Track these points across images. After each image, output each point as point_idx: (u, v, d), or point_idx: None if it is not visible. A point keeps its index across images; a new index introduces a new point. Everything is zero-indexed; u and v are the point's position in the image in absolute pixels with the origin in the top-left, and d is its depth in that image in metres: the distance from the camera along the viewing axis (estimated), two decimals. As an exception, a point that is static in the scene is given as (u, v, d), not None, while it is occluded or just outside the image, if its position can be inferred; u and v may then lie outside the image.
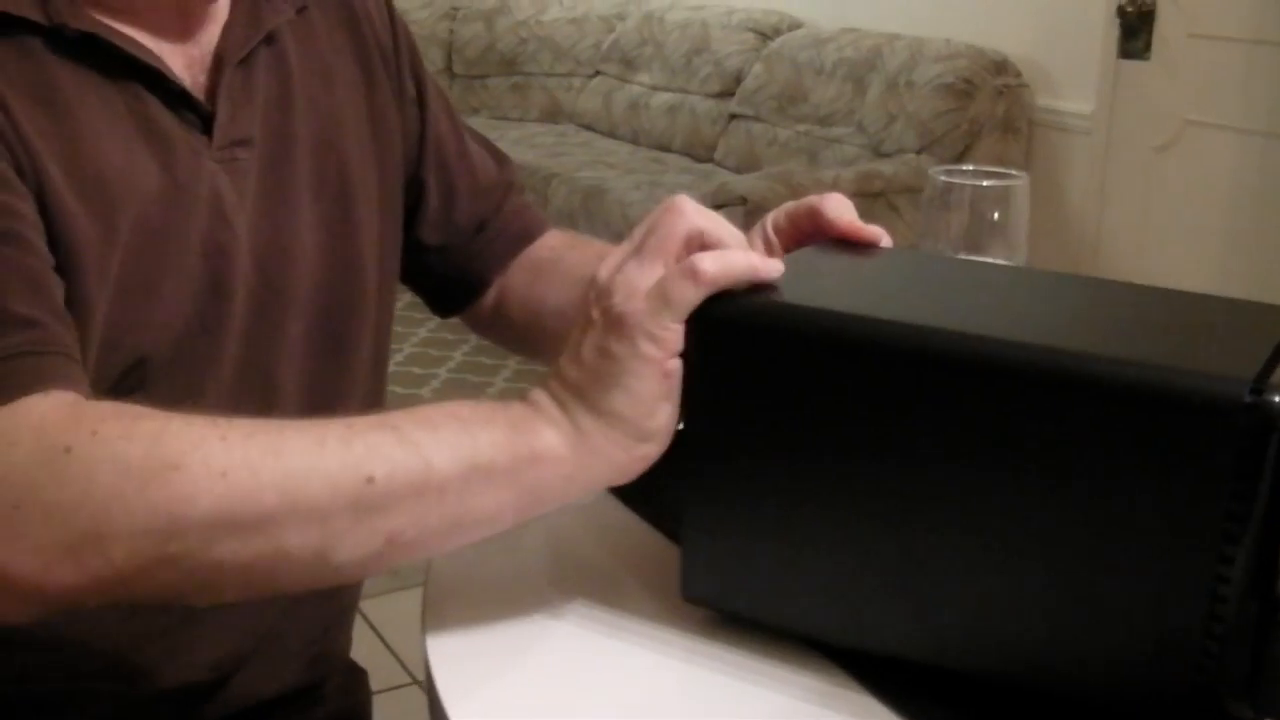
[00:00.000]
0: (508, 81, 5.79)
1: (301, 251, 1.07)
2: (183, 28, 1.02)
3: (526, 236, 1.27)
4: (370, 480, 0.75)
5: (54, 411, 0.78)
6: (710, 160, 4.71)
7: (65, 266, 0.90)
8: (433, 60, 5.87)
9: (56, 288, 0.88)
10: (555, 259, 1.25)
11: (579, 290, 1.00)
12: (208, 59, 1.04)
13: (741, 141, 4.57)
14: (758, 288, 0.81)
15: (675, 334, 0.78)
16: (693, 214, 0.81)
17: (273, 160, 1.06)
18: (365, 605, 2.77)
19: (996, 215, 1.21)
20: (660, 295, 0.78)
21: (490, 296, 1.26)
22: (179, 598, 0.79)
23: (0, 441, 0.76)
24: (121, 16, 0.98)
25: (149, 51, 0.98)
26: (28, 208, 0.88)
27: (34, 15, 0.92)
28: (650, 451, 0.81)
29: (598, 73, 5.50)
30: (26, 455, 0.75)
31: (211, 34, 1.04)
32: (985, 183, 1.20)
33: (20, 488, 0.74)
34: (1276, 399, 0.64)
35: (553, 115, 5.65)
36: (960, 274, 0.92)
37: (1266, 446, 0.64)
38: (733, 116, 4.65)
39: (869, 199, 3.61)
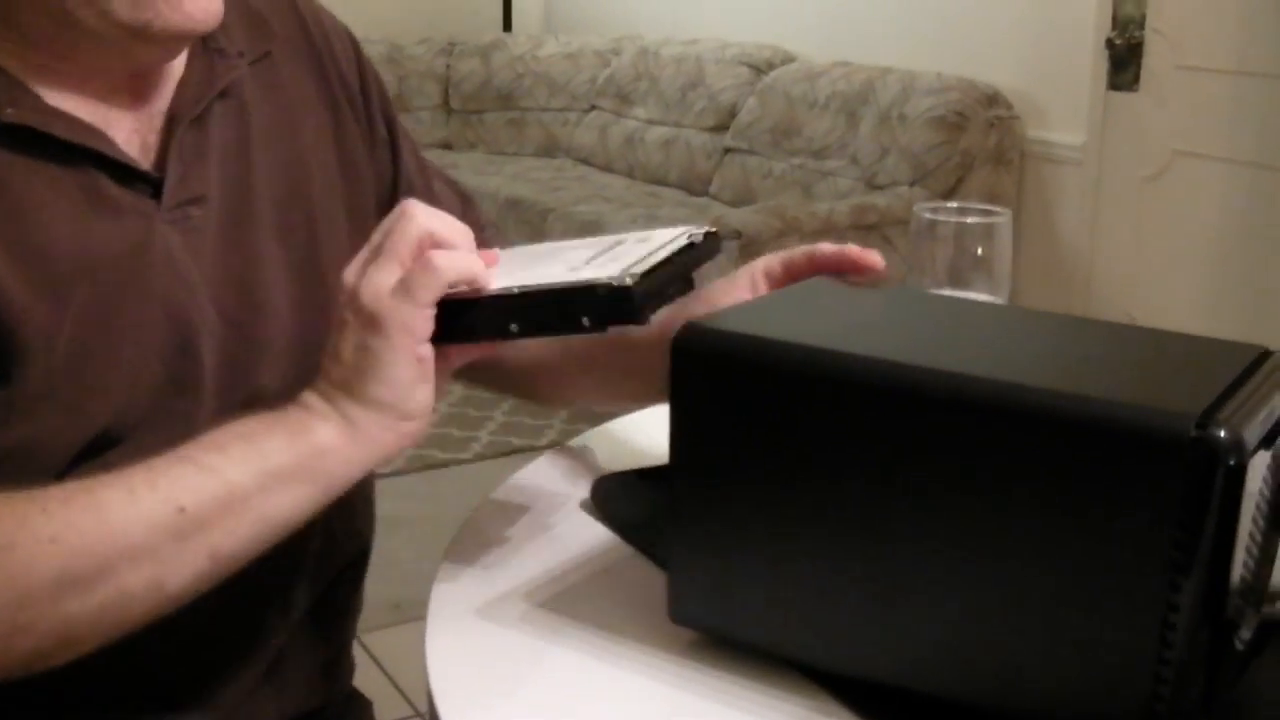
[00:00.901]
0: (504, 116, 5.83)
1: (271, 302, 1.08)
2: (135, 92, 1.03)
3: None
4: (182, 510, 0.85)
5: None
6: (706, 194, 4.74)
7: (13, 353, 0.92)
8: (429, 95, 5.91)
9: None
10: None
11: None
12: (159, 119, 1.04)
13: (736, 175, 4.60)
14: (739, 319, 0.85)
15: (422, 322, 0.88)
16: (423, 217, 0.90)
17: (232, 214, 1.07)
18: (368, 638, 2.80)
19: (980, 250, 1.24)
20: (403, 290, 0.87)
21: None
22: (42, 660, 0.86)
23: None
24: (71, 82, 0.99)
25: (90, 130, 0.98)
26: None
27: None
28: (415, 428, 0.91)
29: (593, 107, 5.54)
30: None
31: (164, 92, 1.05)
32: (969, 219, 1.23)
33: None
34: (1221, 434, 0.67)
35: (549, 150, 5.68)
36: (934, 311, 0.95)
37: (1212, 480, 0.67)
38: (727, 150, 4.68)
39: (863, 231, 3.65)
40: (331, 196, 1.15)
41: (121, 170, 1.00)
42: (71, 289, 0.95)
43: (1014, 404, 0.72)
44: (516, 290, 0.90)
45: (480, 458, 3.83)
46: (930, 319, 0.91)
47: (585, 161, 5.46)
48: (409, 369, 0.89)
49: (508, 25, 6.33)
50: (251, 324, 1.07)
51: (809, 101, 4.37)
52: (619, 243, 0.97)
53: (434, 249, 0.88)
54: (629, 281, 0.86)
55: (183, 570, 0.87)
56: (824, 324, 0.88)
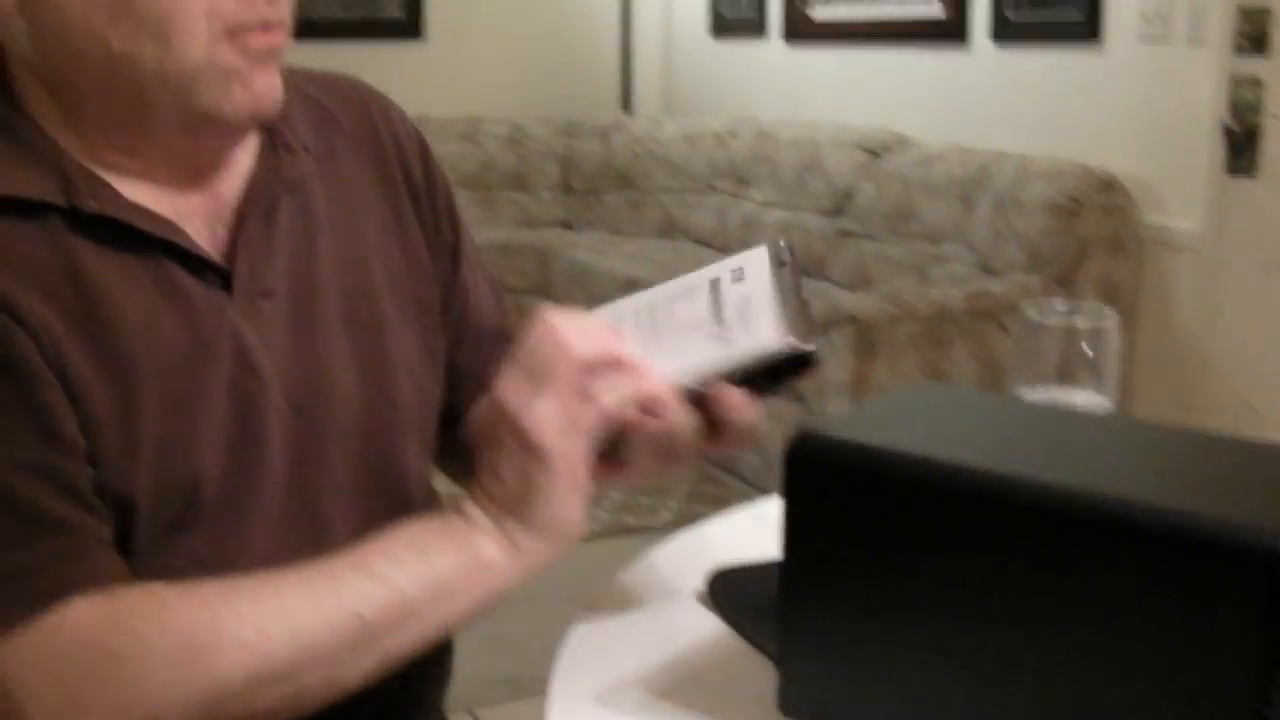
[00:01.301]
0: (623, 197, 5.92)
1: (338, 390, 1.12)
2: (205, 185, 1.07)
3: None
4: (360, 618, 0.94)
5: (88, 617, 0.92)
6: (822, 277, 4.77)
7: (93, 437, 0.97)
8: (550, 175, 6.02)
9: (84, 476, 0.97)
10: None
11: None
12: (229, 212, 1.08)
13: (852, 259, 4.63)
14: (852, 426, 0.90)
15: (586, 454, 0.95)
16: (579, 346, 0.96)
17: (300, 306, 1.10)
18: (483, 713, 2.85)
19: (1088, 351, 1.27)
20: (569, 425, 0.94)
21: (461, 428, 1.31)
22: None
23: (48, 658, 0.91)
24: (140, 175, 1.04)
25: (165, 222, 1.03)
26: (55, 396, 0.96)
27: (55, 199, 0.99)
28: (568, 545, 0.98)
29: (711, 189, 5.60)
30: (79, 668, 0.91)
31: (233, 186, 1.09)
32: (1077, 321, 1.26)
33: (83, 695, 0.90)
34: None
35: (667, 230, 5.76)
36: (1039, 421, 0.98)
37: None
38: (843, 233, 4.72)
39: (977, 317, 3.67)
40: (395, 290, 1.19)
41: (194, 262, 1.04)
42: (145, 377, 1.00)
43: (1107, 517, 0.76)
44: (690, 385, 0.96)
45: (597, 536, 3.86)
46: (1036, 429, 0.94)
47: (703, 243, 5.52)
48: (570, 497, 0.96)
49: (627, 107, 6.43)
50: (318, 414, 1.11)
51: (925, 186, 4.40)
52: (715, 283, 1.01)
53: (595, 369, 0.95)
54: (811, 346, 0.95)
55: (356, 671, 0.96)
56: (932, 432, 0.92)
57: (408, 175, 1.23)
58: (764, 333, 0.94)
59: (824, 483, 0.88)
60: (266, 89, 1.03)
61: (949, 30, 4.72)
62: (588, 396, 0.95)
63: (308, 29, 1.03)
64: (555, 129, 6.11)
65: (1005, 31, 4.49)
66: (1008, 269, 3.97)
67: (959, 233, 4.20)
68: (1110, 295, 3.90)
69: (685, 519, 3.90)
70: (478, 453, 1.02)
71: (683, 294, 1.02)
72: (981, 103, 4.63)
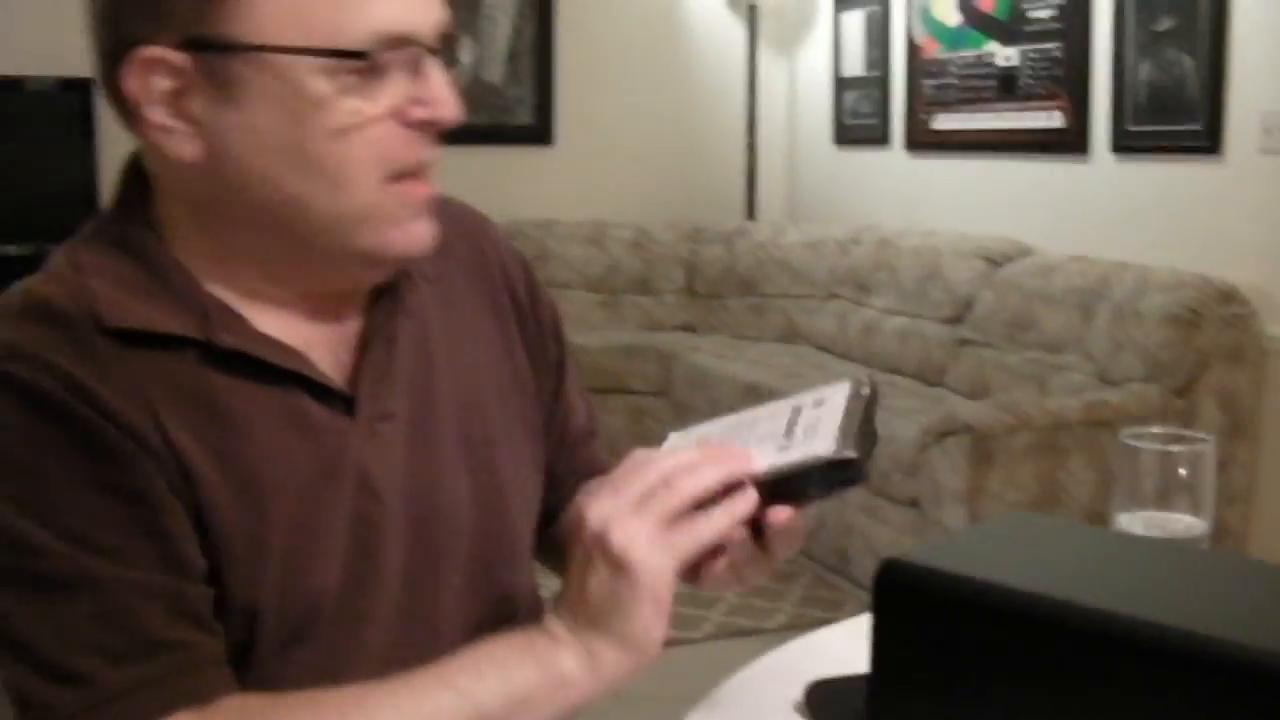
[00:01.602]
0: (746, 302, 5.98)
1: (452, 507, 1.18)
2: (332, 314, 1.14)
3: (590, 476, 1.40)
4: None
5: None
6: (940, 384, 4.78)
7: (222, 556, 1.04)
8: (674, 280, 6.10)
9: (201, 598, 1.03)
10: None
11: None
12: (352, 338, 1.15)
13: (971, 367, 4.65)
14: (943, 555, 0.95)
15: (670, 574, 1.00)
16: (688, 488, 1.01)
17: (417, 427, 1.16)
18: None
19: (1184, 475, 1.29)
20: (664, 546, 1.00)
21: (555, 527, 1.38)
22: None
23: None
24: (274, 306, 1.11)
25: (295, 354, 1.09)
26: (177, 521, 1.02)
27: (191, 332, 1.05)
28: (646, 662, 1.02)
29: (833, 295, 5.64)
30: None
31: (357, 314, 1.16)
32: (1172, 447, 1.29)
33: None
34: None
35: (789, 336, 5.79)
36: (1128, 553, 1.00)
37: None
38: (963, 342, 4.73)
39: (1094, 428, 3.67)
40: (503, 408, 1.25)
41: (320, 390, 1.10)
42: (273, 499, 1.06)
43: (1190, 652, 0.78)
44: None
45: (710, 638, 3.91)
46: (1125, 561, 0.96)
47: (824, 349, 5.55)
48: (649, 612, 1.00)
49: (751, 214, 6.50)
50: (434, 530, 1.16)
51: (1044, 295, 4.41)
52: (796, 408, 1.08)
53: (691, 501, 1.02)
54: (852, 453, 0.99)
55: None
56: (1019, 563, 0.94)
57: (514, 297, 1.30)
58: (818, 443, 1.01)
59: (910, 609, 0.91)
60: (423, 232, 1.11)
61: (1070, 141, 4.76)
62: (693, 532, 1.00)
63: (442, 134, 1.11)
64: (680, 234, 6.21)
65: (1126, 143, 4.52)
66: (1126, 380, 3.97)
67: (1078, 343, 4.21)
68: (1230, 407, 3.89)
69: (798, 622, 3.93)
70: (569, 550, 1.07)
71: (766, 416, 1.10)
72: (1102, 213, 4.65)
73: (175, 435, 1.03)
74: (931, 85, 5.53)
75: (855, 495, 4.12)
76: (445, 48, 1.09)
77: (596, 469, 1.40)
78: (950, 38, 5.39)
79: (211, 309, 1.07)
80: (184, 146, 1.05)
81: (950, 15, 5.38)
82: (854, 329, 5.38)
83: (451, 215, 1.25)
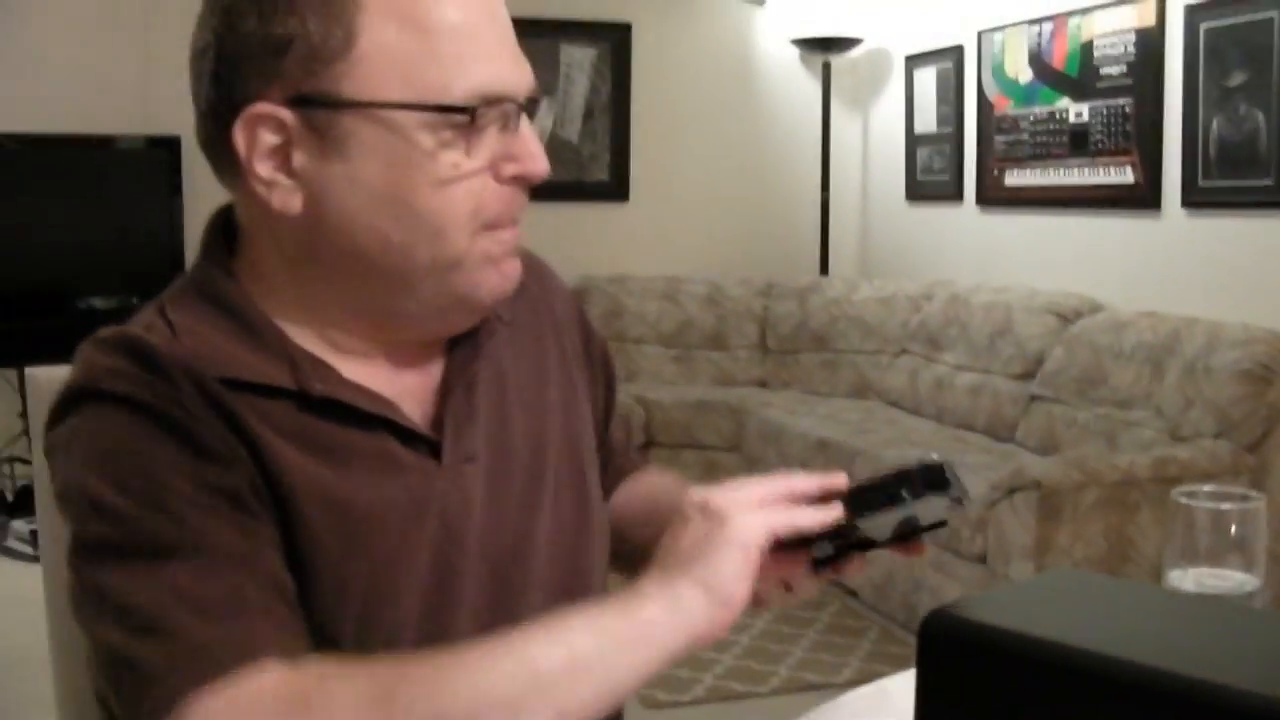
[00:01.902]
0: (818, 357, 5.99)
1: (529, 545, 1.22)
2: (417, 361, 1.19)
3: (626, 474, 1.49)
4: (533, 665, 0.99)
5: (278, 674, 0.98)
6: (1011, 440, 4.78)
7: (309, 583, 1.08)
8: (747, 335, 6.14)
9: (287, 585, 1.06)
10: (638, 478, 1.49)
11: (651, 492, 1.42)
12: (435, 383, 1.20)
13: (1042, 423, 4.64)
14: (988, 608, 0.98)
15: (762, 532, 1.04)
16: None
17: (496, 468, 1.21)
18: None
19: (1237, 531, 1.30)
20: (760, 512, 1.05)
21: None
22: None
23: (244, 709, 0.97)
24: (361, 356, 1.16)
25: (383, 400, 1.14)
26: (268, 531, 1.06)
27: (285, 383, 1.11)
28: (727, 617, 1.05)
29: (904, 351, 5.64)
30: (270, 716, 0.97)
31: (438, 358, 1.21)
32: (1225, 505, 1.30)
33: None
34: None
35: (860, 391, 5.80)
36: (1170, 608, 1.02)
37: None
38: (1033, 398, 4.73)
39: (1164, 484, 3.66)
40: (570, 443, 1.30)
41: (407, 434, 1.15)
42: (364, 534, 1.11)
43: (1227, 708, 0.78)
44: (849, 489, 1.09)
45: (776, 692, 3.92)
46: (1170, 618, 0.97)
47: (895, 404, 5.56)
48: (737, 560, 1.04)
49: (824, 269, 6.53)
50: (511, 567, 1.21)
51: (1115, 351, 4.41)
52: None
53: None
54: (938, 458, 1.05)
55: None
56: (1063, 617, 0.95)
57: (572, 331, 1.38)
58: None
59: (954, 660, 0.92)
60: (512, 272, 1.17)
61: (1141, 197, 4.77)
62: (791, 514, 1.06)
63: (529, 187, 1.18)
64: (753, 289, 6.25)
65: (1197, 198, 4.52)
66: (1197, 436, 3.96)
67: (1148, 399, 4.20)
68: (1302, 463, 3.87)
69: (866, 677, 3.91)
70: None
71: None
72: (1173, 269, 4.65)
73: (274, 463, 1.08)
74: (1003, 141, 5.55)
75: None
76: (534, 107, 1.15)
77: (631, 468, 1.49)
78: (1022, 94, 5.42)
79: (300, 360, 1.13)
80: (288, 200, 1.10)
81: (1022, 72, 5.41)
82: (925, 384, 5.38)
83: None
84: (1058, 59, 5.18)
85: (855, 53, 6.45)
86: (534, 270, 1.35)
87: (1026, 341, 4.87)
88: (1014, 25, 5.46)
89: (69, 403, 1.10)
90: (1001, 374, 4.95)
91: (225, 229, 1.19)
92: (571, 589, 1.25)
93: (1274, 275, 4.22)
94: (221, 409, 1.08)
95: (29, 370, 1.44)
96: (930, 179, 6.15)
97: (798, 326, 6.08)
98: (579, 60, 6.36)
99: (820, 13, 6.20)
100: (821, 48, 6.34)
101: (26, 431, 5.56)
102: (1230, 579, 1.30)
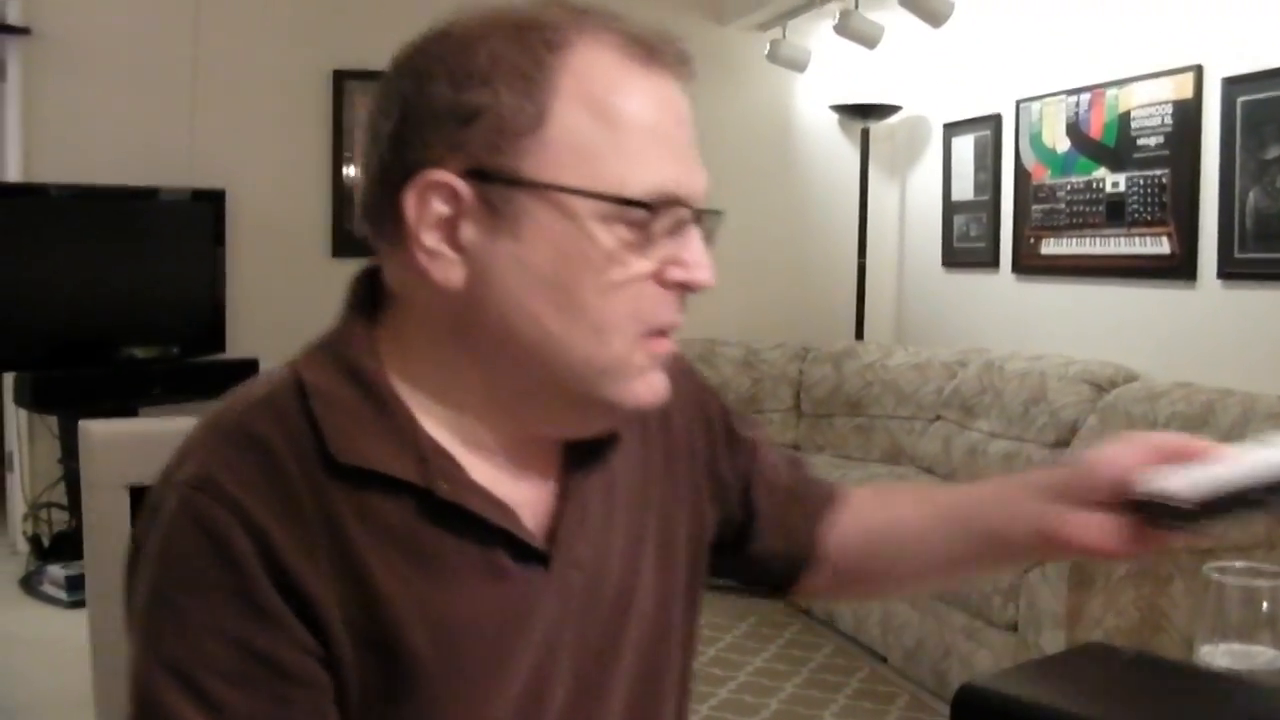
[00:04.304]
0: (852, 422, 6.01)
1: (619, 654, 1.18)
2: (539, 464, 1.15)
3: (830, 503, 1.41)
4: None
5: None
6: (1045, 508, 4.75)
7: (409, 691, 1.05)
8: (781, 398, 6.16)
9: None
10: (881, 506, 1.42)
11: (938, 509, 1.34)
12: (552, 490, 1.16)
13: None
14: (1019, 683, 1.00)
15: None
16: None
17: (596, 577, 1.17)
18: None
19: (1268, 608, 1.30)
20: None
21: (820, 563, 1.40)
22: None
23: None
24: (489, 453, 1.12)
25: (503, 509, 1.09)
26: (310, 699, 1.02)
27: (412, 478, 1.06)
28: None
29: (938, 417, 5.65)
30: None
31: (557, 462, 1.17)
32: (1256, 581, 1.30)
33: None
34: None
35: (894, 457, 5.80)
36: (1199, 687, 1.05)
37: None
38: (1067, 466, 4.71)
39: (1197, 556, 3.64)
40: (669, 547, 1.26)
41: (522, 548, 1.11)
42: (465, 643, 1.08)
43: None
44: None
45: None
46: (1195, 697, 1.00)
47: (928, 470, 5.55)
48: None
49: (860, 334, 6.56)
50: (598, 670, 1.17)
51: (1149, 421, 4.40)
52: None
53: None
54: None
55: None
56: (1098, 694, 0.98)
57: (690, 428, 1.32)
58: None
59: None
60: (660, 385, 1.13)
61: (1177, 268, 4.78)
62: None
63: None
64: (788, 353, 6.28)
65: (1233, 270, 4.54)
66: (1232, 509, 3.93)
67: (1183, 470, 4.18)
68: (1338, 538, 3.85)
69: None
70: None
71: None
72: (1208, 340, 4.66)
73: (375, 574, 1.05)
74: (1040, 210, 5.58)
75: (955, 618, 4.13)
76: (708, 218, 1.12)
77: (829, 495, 1.43)
78: (1059, 163, 5.45)
79: (430, 453, 1.08)
80: (449, 272, 1.06)
81: (1060, 141, 5.44)
82: (958, 451, 5.38)
83: None
84: (1095, 129, 5.22)
85: (894, 120, 6.51)
86: (682, 369, 1.31)
87: (1061, 410, 4.87)
88: (1052, 95, 5.49)
89: (165, 488, 1.07)
90: (1035, 442, 4.95)
91: (371, 293, 1.15)
92: (655, 694, 1.23)
93: (1310, 349, 4.22)
94: (326, 512, 1.05)
95: (83, 423, 1.46)
96: (967, 246, 6.18)
97: (832, 391, 6.10)
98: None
99: (860, 80, 6.27)
100: (861, 114, 6.39)
101: (65, 478, 5.63)
102: (1262, 655, 1.30)
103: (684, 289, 1.11)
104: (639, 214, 1.06)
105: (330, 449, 1.06)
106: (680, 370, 1.29)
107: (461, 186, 1.05)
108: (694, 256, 1.10)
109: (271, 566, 1.02)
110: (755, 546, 1.38)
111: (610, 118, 1.06)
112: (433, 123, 1.06)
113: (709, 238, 1.12)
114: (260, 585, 1.02)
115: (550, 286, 1.06)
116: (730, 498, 1.36)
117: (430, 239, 1.06)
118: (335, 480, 1.05)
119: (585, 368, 1.08)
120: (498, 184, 1.05)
